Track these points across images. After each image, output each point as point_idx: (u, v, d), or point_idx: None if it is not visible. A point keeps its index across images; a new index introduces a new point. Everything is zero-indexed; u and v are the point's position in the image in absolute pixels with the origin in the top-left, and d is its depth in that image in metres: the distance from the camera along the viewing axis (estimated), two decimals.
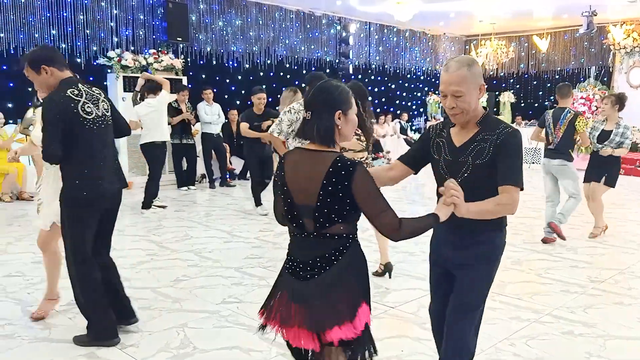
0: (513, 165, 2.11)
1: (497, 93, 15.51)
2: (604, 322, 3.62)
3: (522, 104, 15.87)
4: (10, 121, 8.56)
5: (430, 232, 2.42)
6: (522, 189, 2.11)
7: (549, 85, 15.51)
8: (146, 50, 9.96)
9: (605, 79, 14.07)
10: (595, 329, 3.51)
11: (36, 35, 8.83)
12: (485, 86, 2.26)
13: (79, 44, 9.32)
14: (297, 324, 1.92)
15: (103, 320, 3.20)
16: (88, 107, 3.11)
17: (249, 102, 11.95)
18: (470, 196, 2.09)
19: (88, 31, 9.42)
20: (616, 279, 4.58)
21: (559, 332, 3.45)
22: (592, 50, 14.52)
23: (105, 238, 3.37)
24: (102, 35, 9.60)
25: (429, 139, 2.35)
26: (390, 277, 4.46)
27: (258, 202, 7.26)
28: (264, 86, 12.25)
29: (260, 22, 11.85)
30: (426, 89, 16.14)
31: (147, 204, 7.34)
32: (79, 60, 9.35)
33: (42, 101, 3.09)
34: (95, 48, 9.51)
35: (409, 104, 16.09)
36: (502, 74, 16.07)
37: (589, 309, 3.87)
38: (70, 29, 9.21)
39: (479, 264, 2.23)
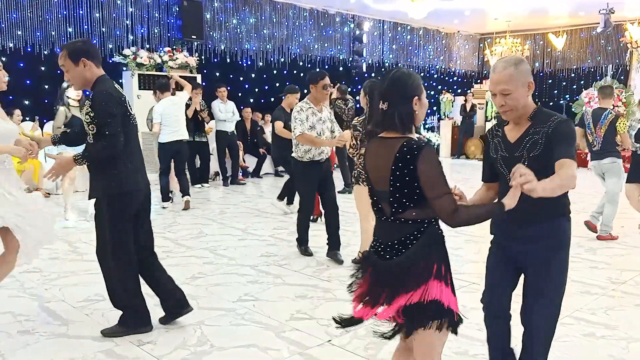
0: (568, 145, 2.17)
1: None
2: (626, 324, 3.56)
3: (537, 103, 15.65)
4: (27, 118, 8.63)
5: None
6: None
7: (564, 83, 15.35)
8: (161, 48, 10.00)
9: (622, 77, 13.89)
10: (617, 331, 3.45)
11: (53, 33, 8.90)
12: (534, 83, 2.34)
13: (94, 41, 9.36)
14: (381, 301, 1.98)
15: (140, 309, 3.31)
16: (129, 103, 3.21)
17: (261, 100, 12.02)
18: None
19: (104, 29, 9.49)
20: (637, 280, 4.50)
21: (580, 334, 3.39)
22: (609, 48, 14.34)
23: (149, 233, 3.43)
24: (118, 33, 9.66)
25: (488, 144, 2.46)
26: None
27: (290, 201, 7.18)
28: (277, 84, 12.34)
29: (274, 20, 11.85)
30: (439, 87, 16.03)
31: (167, 197, 7.52)
32: None
33: (93, 97, 3.08)
34: (110, 46, 9.57)
35: None
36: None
37: (610, 310, 3.81)
38: (86, 26, 9.28)
39: (554, 255, 2.29)
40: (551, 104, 15.41)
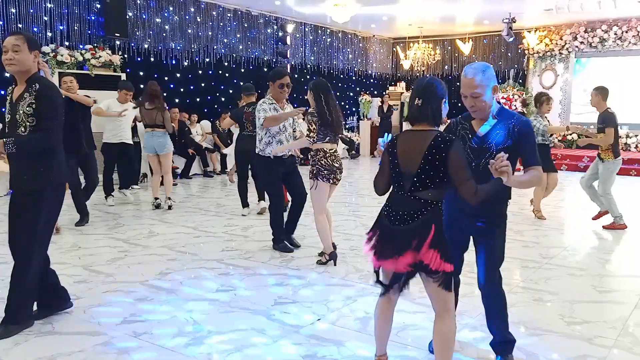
0: (532, 150, 2.65)
1: None
2: (565, 290, 4.11)
3: (452, 102, 16.77)
4: None
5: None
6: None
7: None
8: (82, 46, 9.62)
9: (521, 80, 15.28)
10: (560, 295, 3.98)
11: None
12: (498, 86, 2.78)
13: None
14: (387, 254, 2.42)
15: (31, 305, 3.34)
16: None
17: (187, 100, 11.89)
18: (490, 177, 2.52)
19: (20, 25, 8.94)
20: (564, 255, 5.16)
21: (531, 300, 3.88)
22: (509, 54, 15.69)
23: None
24: (36, 29, 9.15)
25: (454, 133, 2.79)
26: (335, 265, 4.67)
27: (245, 204, 7.07)
28: (202, 84, 12.24)
29: (199, 19, 11.77)
30: (358, 89, 16.67)
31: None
32: None
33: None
34: None
35: (342, 103, 16.53)
36: (428, 75, 16.89)
37: (549, 280, 4.36)
38: (1, 22, 8.71)
39: (498, 232, 2.79)
40: (460, 104, 16.51)
